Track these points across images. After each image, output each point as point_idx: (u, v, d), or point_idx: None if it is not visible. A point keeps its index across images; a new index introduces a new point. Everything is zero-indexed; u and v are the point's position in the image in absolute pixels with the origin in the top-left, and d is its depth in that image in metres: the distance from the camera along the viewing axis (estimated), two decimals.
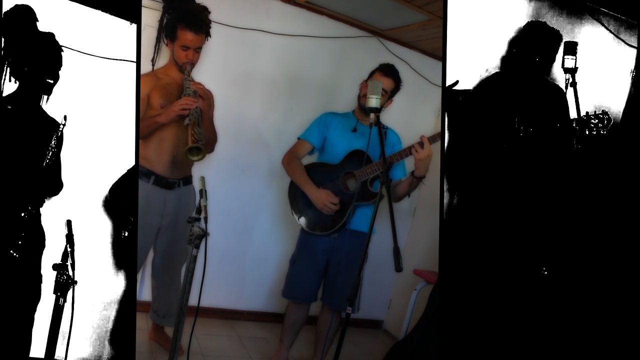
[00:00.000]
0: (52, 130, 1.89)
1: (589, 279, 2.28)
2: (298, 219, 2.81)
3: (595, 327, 2.27)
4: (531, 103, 2.20)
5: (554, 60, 2.25)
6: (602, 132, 2.15)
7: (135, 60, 2.10)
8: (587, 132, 2.16)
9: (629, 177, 2.34)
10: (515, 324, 2.20)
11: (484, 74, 2.21)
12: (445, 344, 2.19)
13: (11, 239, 1.80)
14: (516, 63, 2.22)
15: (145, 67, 2.79)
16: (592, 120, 2.17)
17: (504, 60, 2.22)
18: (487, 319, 2.19)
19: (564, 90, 2.24)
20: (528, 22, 2.23)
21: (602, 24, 2.36)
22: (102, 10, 2.02)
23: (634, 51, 2.40)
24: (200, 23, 2.57)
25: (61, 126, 1.88)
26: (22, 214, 1.81)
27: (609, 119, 2.16)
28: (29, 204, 1.84)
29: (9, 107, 1.84)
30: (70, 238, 1.84)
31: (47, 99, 1.89)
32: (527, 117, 2.17)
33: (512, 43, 2.23)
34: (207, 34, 2.63)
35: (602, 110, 2.17)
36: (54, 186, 1.95)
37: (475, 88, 2.20)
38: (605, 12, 2.35)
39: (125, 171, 2.09)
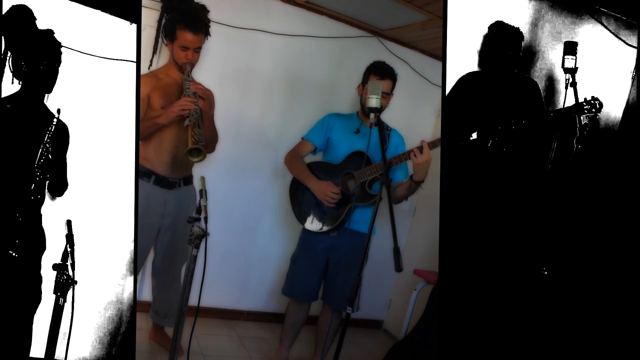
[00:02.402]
0: (58, 129, 1.89)
1: (589, 279, 2.28)
2: (298, 217, 2.82)
3: (595, 327, 2.27)
4: (513, 98, 2.23)
5: (519, 56, 2.26)
6: (596, 116, 2.17)
7: (135, 60, 2.10)
8: (581, 118, 2.18)
9: (629, 177, 2.34)
10: (515, 324, 2.20)
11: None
12: (445, 344, 2.19)
13: (10, 240, 1.80)
14: (490, 59, 2.24)
15: (143, 68, 2.79)
16: (585, 107, 2.18)
17: (480, 56, 2.25)
18: (487, 319, 2.19)
19: (537, 83, 2.26)
20: (491, 23, 2.25)
21: (602, 24, 2.36)
22: (102, 10, 2.02)
23: (634, 51, 2.40)
24: (199, 23, 2.57)
25: (54, 120, 1.86)
26: (20, 215, 1.80)
27: (601, 104, 2.18)
28: (30, 204, 1.84)
29: (10, 106, 1.83)
30: (70, 238, 1.84)
31: (47, 96, 1.89)
32: (514, 112, 2.19)
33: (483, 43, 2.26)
34: (207, 34, 2.63)
35: (592, 97, 2.18)
36: (59, 186, 1.95)
37: (457, 87, 2.22)
38: (605, 12, 2.36)
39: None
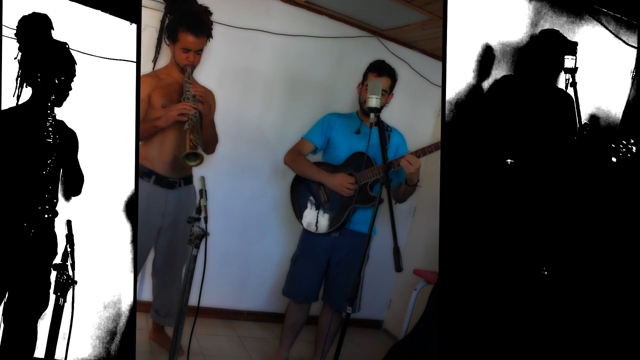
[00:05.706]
0: (66, 135, 1.90)
1: (589, 279, 2.28)
2: (299, 218, 2.81)
3: (595, 327, 2.27)
4: (543, 110, 2.20)
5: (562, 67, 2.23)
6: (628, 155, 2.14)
7: (135, 60, 2.10)
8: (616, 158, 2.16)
9: (629, 178, 2.34)
10: (515, 324, 2.20)
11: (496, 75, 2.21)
12: (445, 344, 2.19)
13: (29, 251, 1.80)
14: (532, 70, 2.21)
15: (147, 67, 2.80)
16: (622, 149, 2.14)
17: (517, 66, 2.22)
18: (487, 319, 2.19)
19: (572, 97, 2.22)
20: (542, 30, 2.22)
21: (602, 24, 2.36)
22: (102, 10, 2.02)
23: (634, 51, 2.40)
24: (202, 25, 2.57)
25: (62, 127, 1.87)
26: (35, 225, 1.81)
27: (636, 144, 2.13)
28: (44, 209, 1.84)
29: (22, 114, 1.83)
30: (70, 238, 1.84)
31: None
32: (537, 123, 2.17)
33: (527, 50, 2.22)
34: (209, 36, 2.63)
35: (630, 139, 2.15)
36: (76, 185, 1.95)
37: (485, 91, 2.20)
38: (605, 12, 2.36)
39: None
